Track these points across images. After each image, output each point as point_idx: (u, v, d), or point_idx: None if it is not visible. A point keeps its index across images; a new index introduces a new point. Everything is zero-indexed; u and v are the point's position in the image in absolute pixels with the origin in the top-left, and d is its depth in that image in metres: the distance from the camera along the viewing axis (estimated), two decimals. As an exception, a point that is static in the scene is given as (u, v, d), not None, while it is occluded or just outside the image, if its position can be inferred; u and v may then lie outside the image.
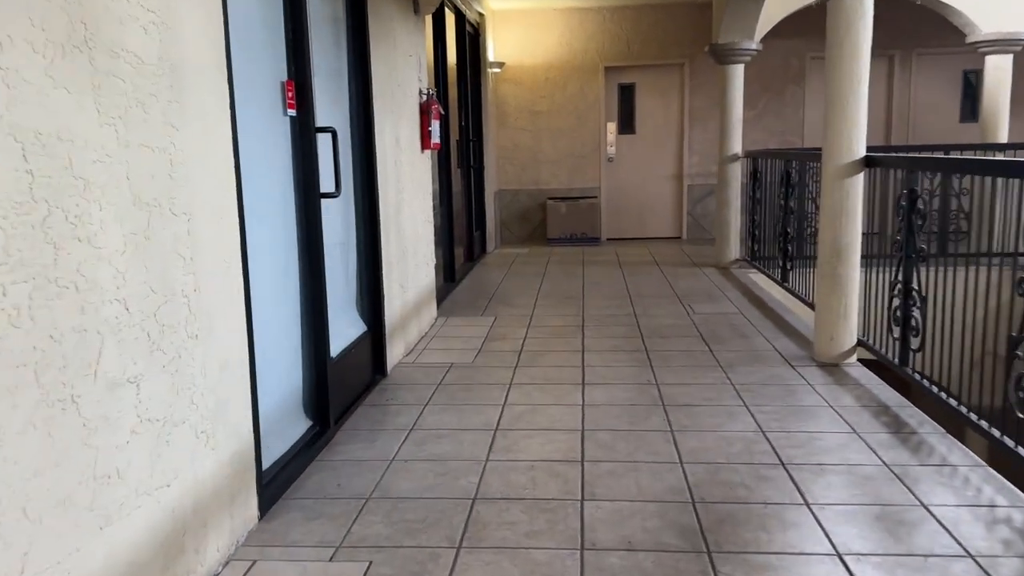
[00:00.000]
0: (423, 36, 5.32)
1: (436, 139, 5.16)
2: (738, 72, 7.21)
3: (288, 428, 3.07)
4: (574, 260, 8.20)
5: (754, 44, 7.10)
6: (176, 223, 2.10)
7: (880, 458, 2.99)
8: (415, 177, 4.92)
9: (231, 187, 2.41)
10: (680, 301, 5.93)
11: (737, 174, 7.33)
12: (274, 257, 2.98)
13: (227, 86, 2.40)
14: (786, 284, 5.90)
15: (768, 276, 6.50)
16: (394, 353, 4.36)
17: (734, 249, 7.45)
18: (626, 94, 9.63)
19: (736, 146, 7.31)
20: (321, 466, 3.04)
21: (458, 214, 7.67)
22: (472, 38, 8.49)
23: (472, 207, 8.17)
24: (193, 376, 2.17)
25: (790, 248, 5.82)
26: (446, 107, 6.63)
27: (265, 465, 2.71)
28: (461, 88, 7.73)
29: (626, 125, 9.68)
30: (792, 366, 4.21)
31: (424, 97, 5.10)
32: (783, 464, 2.96)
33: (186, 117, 2.15)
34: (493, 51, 9.21)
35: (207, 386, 2.25)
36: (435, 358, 4.53)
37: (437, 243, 6.35)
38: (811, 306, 5.07)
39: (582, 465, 3.00)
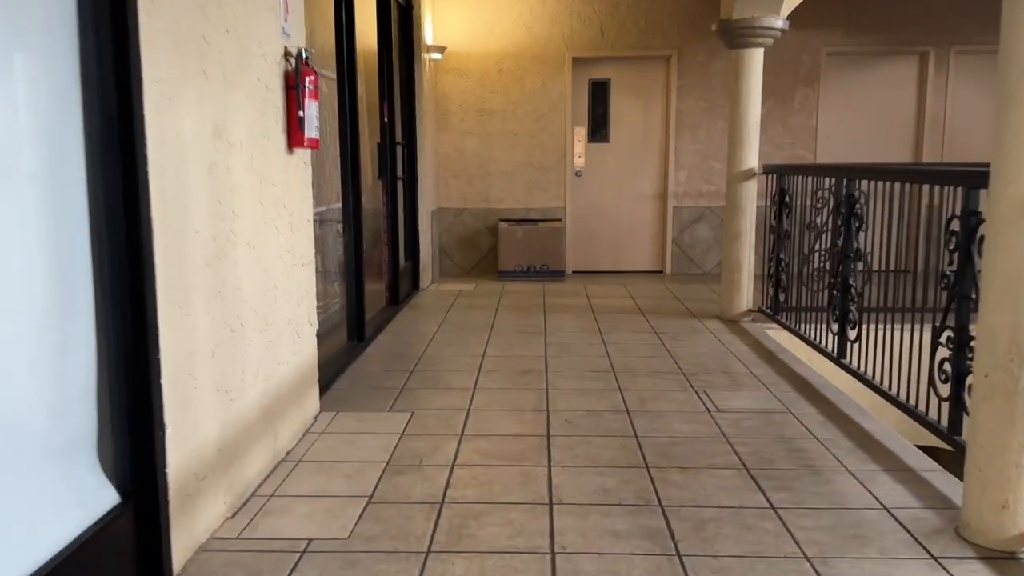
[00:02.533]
0: (299, -31, 3.33)
1: (313, 131, 3.16)
2: (756, 59, 5.37)
3: None
4: (532, 304, 6.24)
5: (780, 21, 5.27)
6: None
7: None
8: (270, 196, 2.91)
9: None
10: (690, 383, 4.01)
11: (752, 196, 5.47)
12: None
13: None
14: (846, 362, 4.01)
15: (805, 341, 4.62)
16: (196, 530, 2.33)
17: (746, 296, 5.57)
18: (599, 92, 7.74)
19: (751, 159, 5.45)
20: None
21: (376, 242, 5.66)
22: (403, 11, 6.51)
23: (398, 232, 6.17)
24: None
25: (852, 310, 3.93)
26: (351, 97, 4.64)
27: None
28: (384, 75, 5.74)
29: (598, 131, 7.79)
30: (935, 558, 2.30)
31: (292, 63, 3.10)
32: None
33: None
34: (432, 32, 7.24)
35: None
36: (284, 528, 2.50)
37: (328, 291, 4.34)
38: (922, 419, 3.18)
39: None
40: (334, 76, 4.56)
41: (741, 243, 5.51)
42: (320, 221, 4.59)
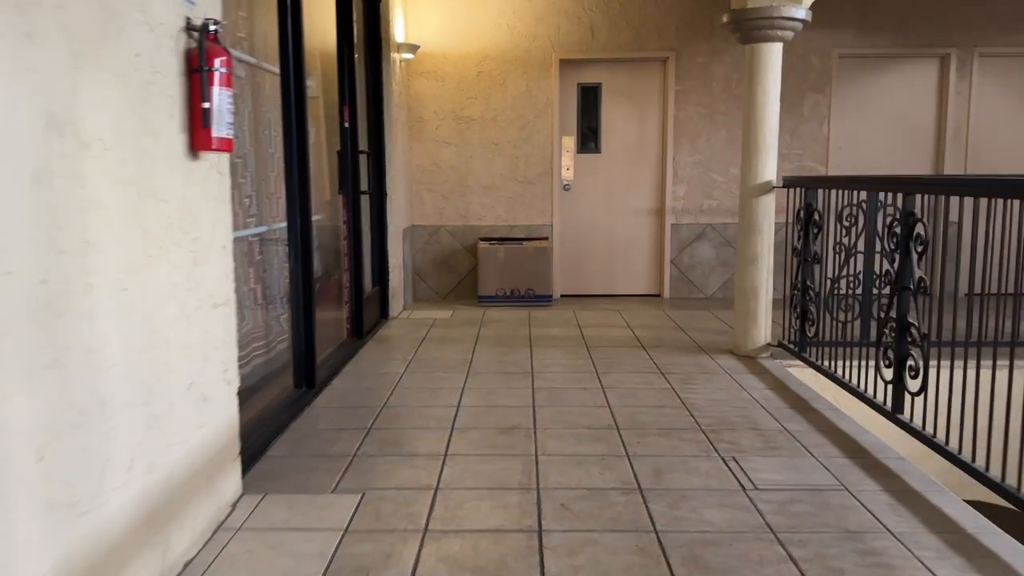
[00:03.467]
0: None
1: (225, 129, 2.37)
2: (773, 55, 4.65)
3: None
4: (516, 335, 5.46)
5: (802, 11, 4.55)
6: None
7: None
8: (158, 216, 2.12)
9: None
10: (713, 445, 3.24)
11: (769, 213, 4.73)
12: None
13: None
14: (905, 419, 3.25)
15: (847, 388, 3.86)
16: None
17: (764, 329, 4.82)
18: (589, 98, 7.01)
19: (768, 170, 4.72)
20: None
21: (335, 266, 4.87)
22: (368, 3, 5.75)
23: (362, 253, 5.37)
24: None
25: (913, 355, 3.18)
26: (298, 95, 3.88)
27: None
28: (345, 74, 4.96)
29: (588, 141, 7.06)
30: None
31: (195, 37, 2.32)
32: None
33: None
34: (403, 29, 6.48)
35: None
36: None
37: (272, 328, 3.56)
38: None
39: None
40: (277, 70, 3.79)
41: (758, 268, 4.77)
42: (261, 242, 3.81)
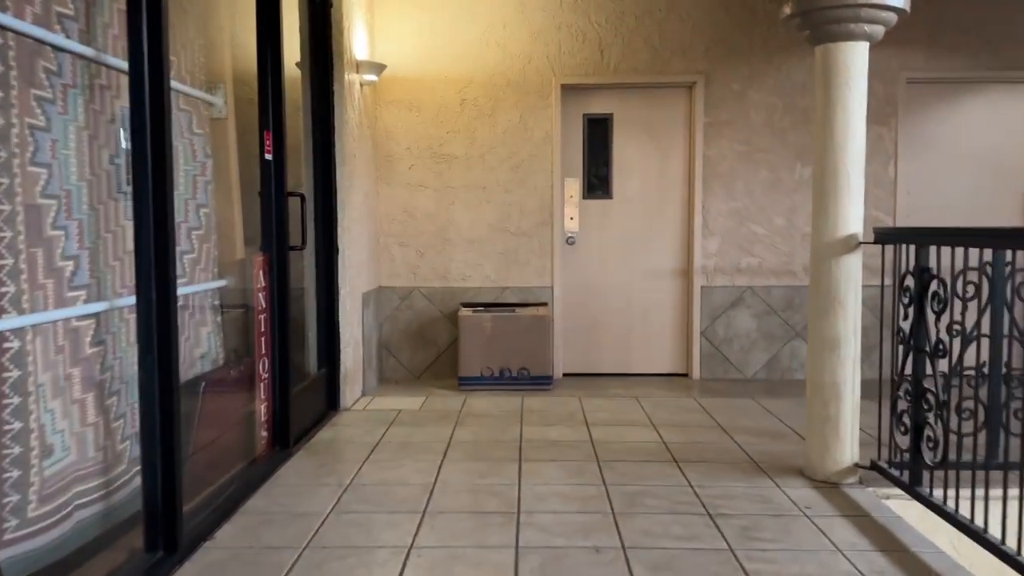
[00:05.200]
0: None
1: None
2: (858, 58, 3.33)
3: None
4: (502, 439, 4.04)
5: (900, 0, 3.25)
6: None
7: None
8: None
9: None
10: None
11: (855, 278, 3.36)
12: None
13: None
14: None
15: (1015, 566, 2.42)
16: None
17: (850, 444, 3.39)
18: (597, 132, 5.70)
19: (852, 219, 3.37)
20: None
21: (244, 352, 3.50)
22: (313, 5, 4.48)
23: (288, 331, 3.97)
24: None
25: None
26: (155, 105, 2.55)
27: None
28: (268, 91, 3.65)
29: (597, 184, 5.73)
30: None
31: None
32: None
33: None
34: (367, 44, 5.21)
35: None
36: None
37: (109, 460, 2.15)
38: None
39: None
40: (126, 66, 2.48)
41: (840, 356, 3.36)
42: (97, 328, 2.47)
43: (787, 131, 5.53)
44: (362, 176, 5.12)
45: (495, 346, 5.27)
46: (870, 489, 3.32)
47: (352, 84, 4.84)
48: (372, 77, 5.10)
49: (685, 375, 5.73)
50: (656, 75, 5.54)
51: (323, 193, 4.58)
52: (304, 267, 4.57)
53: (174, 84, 2.92)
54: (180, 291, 2.99)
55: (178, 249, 3.01)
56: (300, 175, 4.50)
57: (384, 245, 5.65)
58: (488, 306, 5.53)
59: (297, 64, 4.35)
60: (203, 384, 3.08)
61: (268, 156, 3.65)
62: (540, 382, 5.28)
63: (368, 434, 4.19)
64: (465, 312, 5.35)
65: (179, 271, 3.00)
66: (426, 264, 5.66)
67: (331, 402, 4.66)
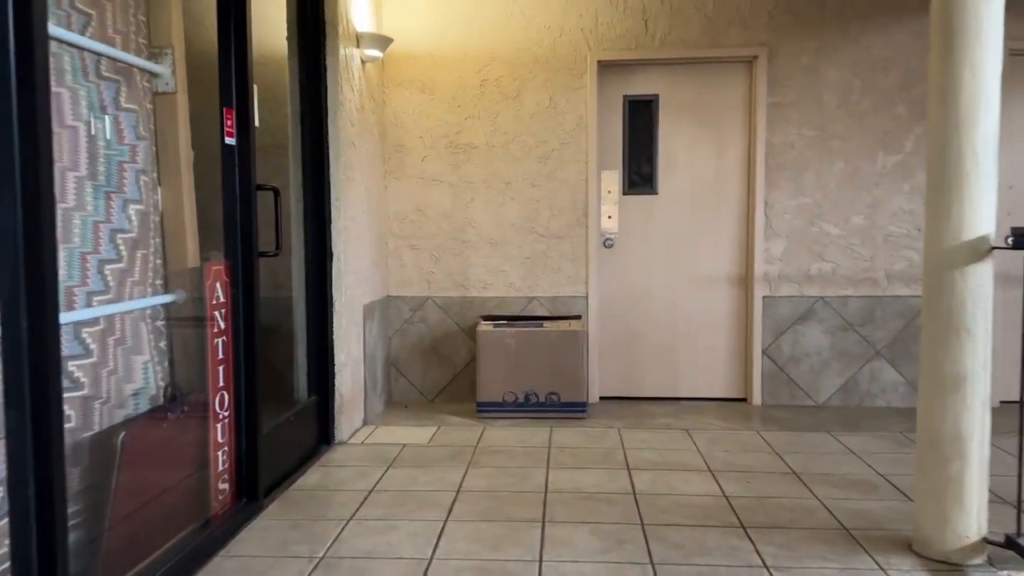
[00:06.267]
0: None
1: None
2: (991, 7, 2.49)
3: None
4: (523, 489, 3.27)
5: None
6: None
7: None
8: None
9: None
10: None
11: (985, 295, 2.52)
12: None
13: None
14: None
15: None
16: None
17: (975, 513, 2.56)
18: (641, 117, 4.90)
19: (982, 217, 2.54)
20: None
21: (198, 383, 2.79)
22: (300, -38, 3.76)
23: (255, 355, 3.25)
24: None
25: None
26: (23, 66, 1.81)
27: None
28: (230, 60, 2.94)
29: (639, 177, 4.93)
30: None
31: None
32: None
33: None
34: (371, 15, 4.48)
35: None
36: None
37: None
38: None
39: None
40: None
41: (966, 399, 2.53)
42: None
43: (867, 114, 4.67)
44: (364, 168, 4.39)
45: (519, 366, 4.50)
46: (1003, 573, 2.49)
47: (350, 60, 4.11)
48: (376, 52, 4.37)
49: (743, 400, 4.90)
50: (710, 49, 4.73)
51: (313, 188, 3.86)
52: (293, 276, 3.86)
53: (95, 46, 2.22)
54: (100, 312, 2.29)
55: (95, 258, 2.31)
56: (287, 167, 3.79)
57: (393, 249, 4.92)
58: (512, 319, 4.77)
59: (287, 37, 3.64)
60: (124, 433, 2.36)
61: (229, 140, 2.93)
62: (572, 409, 4.50)
63: (362, 478, 3.46)
64: (485, 326, 4.60)
65: (99, 285, 2.30)
66: (441, 270, 4.91)
67: (323, 435, 3.94)
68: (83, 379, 2.24)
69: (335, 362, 3.96)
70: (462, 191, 4.87)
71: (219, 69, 2.92)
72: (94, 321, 2.30)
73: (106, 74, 2.38)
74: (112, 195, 2.41)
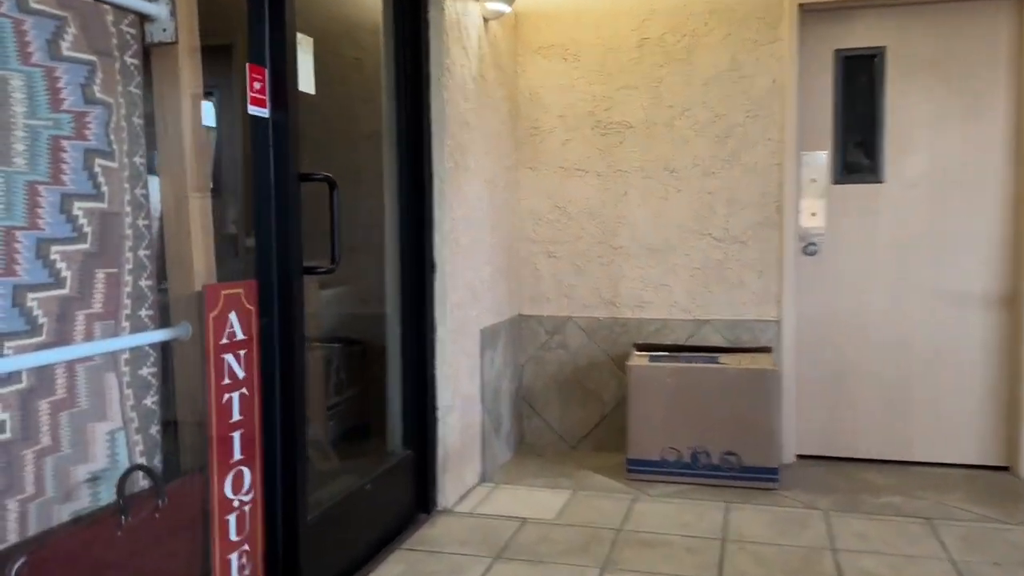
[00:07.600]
0: None
1: None
2: None
3: None
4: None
5: None
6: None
7: None
8: None
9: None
10: None
11: None
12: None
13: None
14: None
15: None
16: None
17: None
18: (859, 79, 3.60)
19: None
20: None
21: (198, 456, 1.93)
22: None
23: (297, 414, 2.37)
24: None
25: None
26: None
27: None
28: (267, 8, 2.08)
29: (857, 161, 3.63)
30: None
31: None
32: None
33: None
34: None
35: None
36: None
37: None
38: None
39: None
40: None
41: None
42: None
43: None
44: (484, 155, 3.45)
45: (685, 414, 3.38)
46: None
47: (463, 14, 3.18)
48: (502, 6, 3.41)
49: (1006, 469, 3.48)
50: (963, -22, 3.36)
51: (410, 179, 2.96)
52: (386, 292, 3.00)
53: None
54: (27, 361, 1.49)
55: (6, 281, 1.51)
56: (378, 155, 2.93)
57: (526, 256, 3.95)
58: (676, 350, 3.66)
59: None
60: (26, 558, 1.54)
61: (258, 110, 2.07)
62: (758, 476, 3.32)
63: (455, 575, 2.52)
64: (638, 359, 3.51)
65: (17, 324, 1.50)
66: (586, 284, 3.88)
67: (421, 500, 3.04)
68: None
69: (437, 405, 3.04)
70: (613, 183, 3.81)
71: (248, 8, 2.07)
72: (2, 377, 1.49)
73: (36, 6, 1.58)
74: (43, 188, 1.60)
